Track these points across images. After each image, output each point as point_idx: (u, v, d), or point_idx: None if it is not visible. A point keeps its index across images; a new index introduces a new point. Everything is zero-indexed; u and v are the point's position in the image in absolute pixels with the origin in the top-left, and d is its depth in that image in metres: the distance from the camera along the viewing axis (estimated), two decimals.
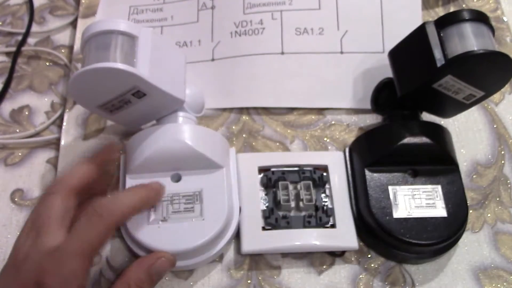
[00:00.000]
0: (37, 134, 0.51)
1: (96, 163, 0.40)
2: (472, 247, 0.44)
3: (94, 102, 0.41)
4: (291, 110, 0.52)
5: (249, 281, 0.43)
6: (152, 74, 0.39)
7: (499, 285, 0.43)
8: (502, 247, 0.44)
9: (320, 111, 0.52)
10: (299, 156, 0.48)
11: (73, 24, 0.59)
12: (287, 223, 0.43)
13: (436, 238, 0.41)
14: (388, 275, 0.43)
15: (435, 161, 0.44)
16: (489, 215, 0.46)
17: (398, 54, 0.46)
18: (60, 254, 0.33)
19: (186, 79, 0.44)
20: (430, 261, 0.44)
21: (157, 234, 0.40)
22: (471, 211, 0.45)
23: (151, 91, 0.40)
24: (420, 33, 0.43)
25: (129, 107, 0.42)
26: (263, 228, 0.43)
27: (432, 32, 0.42)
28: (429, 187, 0.43)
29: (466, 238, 0.45)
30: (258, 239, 0.43)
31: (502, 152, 0.49)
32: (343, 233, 0.43)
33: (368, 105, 0.50)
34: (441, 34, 0.42)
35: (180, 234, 0.40)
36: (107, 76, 0.38)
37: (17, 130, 0.51)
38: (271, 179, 0.45)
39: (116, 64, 0.37)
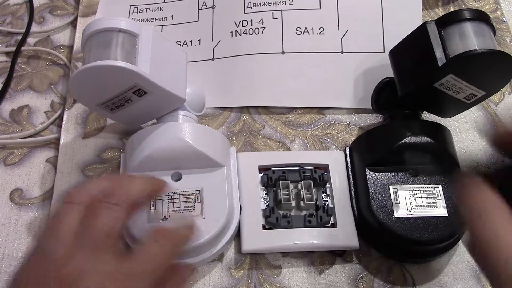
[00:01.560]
0: (36, 134, 0.51)
1: (149, 187, 0.35)
2: None
3: (95, 100, 0.41)
4: (291, 109, 0.52)
5: (249, 281, 0.43)
6: (153, 72, 0.39)
7: None
8: None
9: (321, 110, 0.52)
10: (300, 155, 0.48)
11: (73, 23, 0.59)
12: (288, 222, 0.43)
13: (437, 238, 0.41)
14: (389, 274, 0.43)
15: (436, 161, 0.44)
16: None
17: (399, 54, 0.46)
18: (126, 277, 0.29)
19: (187, 78, 0.44)
20: (430, 260, 0.43)
21: None
22: None
23: (152, 89, 0.39)
24: (421, 32, 0.43)
25: (129, 105, 0.41)
26: (264, 227, 0.43)
27: (433, 31, 0.42)
28: (430, 186, 0.43)
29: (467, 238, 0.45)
30: (258, 238, 0.43)
31: (502, 152, 0.49)
32: (344, 233, 0.43)
33: (368, 105, 0.50)
34: (442, 34, 0.42)
35: None
36: (108, 74, 0.38)
37: (17, 130, 0.51)
38: (271, 178, 0.45)
39: (117, 62, 0.37)
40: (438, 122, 0.48)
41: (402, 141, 0.43)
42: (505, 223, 0.26)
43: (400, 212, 0.42)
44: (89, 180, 0.37)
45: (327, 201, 0.45)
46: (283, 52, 0.53)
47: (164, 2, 0.58)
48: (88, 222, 0.30)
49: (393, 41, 0.46)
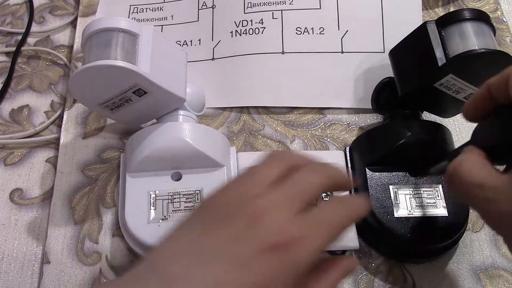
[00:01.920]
0: (36, 134, 0.51)
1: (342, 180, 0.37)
2: (473, 246, 0.44)
3: (95, 100, 0.41)
4: (291, 109, 0.52)
5: None
6: (153, 72, 0.39)
7: (499, 285, 0.42)
8: (503, 247, 0.44)
9: (321, 110, 0.52)
10: None
11: (73, 23, 0.59)
12: None
13: (437, 238, 0.41)
14: (389, 274, 0.43)
15: (436, 161, 0.44)
16: None
17: (399, 54, 0.46)
18: (307, 224, 0.31)
19: (187, 77, 0.44)
20: (431, 260, 0.43)
21: (157, 233, 0.40)
22: (471, 211, 0.45)
23: (152, 89, 0.39)
24: (421, 32, 0.43)
25: (129, 105, 0.41)
26: None
27: (433, 31, 0.42)
28: (430, 186, 0.43)
29: (467, 238, 0.45)
30: None
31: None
32: (344, 233, 0.43)
33: (368, 105, 0.50)
34: (442, 33, 0.42)
35: None
36: (108, 74, 0.38)
37: (17, 130, 0.51)
38: None
39: (117, 62, 0.37)
40: (438, 122, 0.48)
41: (402, 141, 0.43)
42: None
43: (400, 212, 0.42)
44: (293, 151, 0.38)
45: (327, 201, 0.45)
46: (283, 52, 0.53)
47: (164, 2, 0.58)
48: (294, 174, 0.33)
49: (393, 41, 0.46)
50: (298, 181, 0.33)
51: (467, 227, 0.45)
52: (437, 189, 0.43)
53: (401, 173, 0.44)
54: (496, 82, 0.31)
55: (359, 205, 0.36)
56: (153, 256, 0.31)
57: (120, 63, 0.37)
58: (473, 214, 0.46)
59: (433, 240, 0.41)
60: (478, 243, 0.45)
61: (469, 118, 0.34)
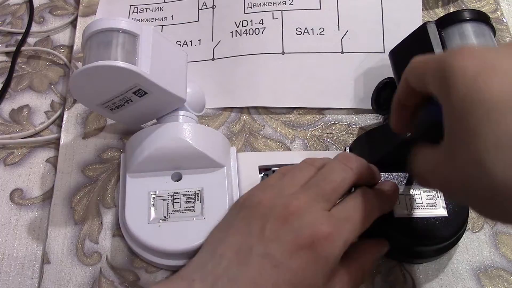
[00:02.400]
0: (36, 134, 0.51)
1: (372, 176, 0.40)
2: (472, 247, 0.44)
3: (95, 100, 0.41)
4: (291, 109, 0.52)
5: None
6: (154, 72, 0.39)
7: (499, 285, 0.43)
8: (502, 247, 0.44)
9: (321, 110, 0.52)
10: (300, 155, 0.47)
11: (73, 23, 0.59)
12: None
13: (437, 238, 0.41)
14: (389, 274, 0.43)
15: None
16: None
17: (399, 54, 0.46)
18: (338, 221, 0.34)
19: (187, 78, 0.44)
20: (430, 261, 0.44)
21: (157, 233, 0.40)
22: (471, 211, 0.45)
23: (152, 89, 0.40)
24: (421, 33, 0.43)
25: (130, 105, 0.41)
26: None
27: (433, 32, 0.42)
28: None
29: (467, 238, 0.45)
30: None
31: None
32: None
33: (368, 105, 0.50)
34: (442, 34, 0.42)
35: (180, 233, 0.40)
36: (108, 74, 0.38)
37: (17, 130, 0.51)
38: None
39: (117, 62, 0.37)
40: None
41: (402, 141, 0.43)
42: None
43: (400, 212, 0.42)
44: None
45: None
46: (283, 53, 0.53)
47: (164, 2, 0.58)
48: (323, 173, 0.37)
49: (393, 42, 0.47)
50: (328, 180, 0.36)
51: (467, 228, 0.45)
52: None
53: (401, 173, 0.44)
54: (413, 77, 0.31)
55: (385, 197, 0.39)
56: (197, 258, 0.36)
57: (121, 63, 0.37)
58: (472, 215, 0.46)
59: (432, 240, 0.41)
60: (478, 243, 0.45)
61: (398, 127, 0.36)
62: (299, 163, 0.40)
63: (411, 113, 0.35)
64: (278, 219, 0.34)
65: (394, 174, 0.44)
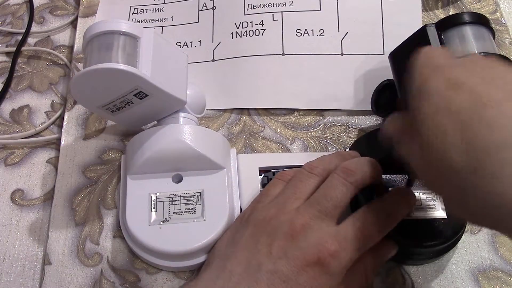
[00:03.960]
0: (37, 134, 0.51)
1: (376, 173, 0.40)
2: (471, 248, 0.45)
3: (96, 102, 0.41)
4: (291, 111, 0.52)
5: None
6: (154, 75, 0.39)
7: (498, 287, 0.43)
8: (501, 249, 0.45)
9: (321, 112, 0.52)
10: (300, 157, 0.48)
11: (73, 23, 0.59)
12: None
13: (436, 240, 0.41)
14: (388, 276, 0.43)
15: None
16: None
17: (399, 56, 0.46)
18: (343, 239, 0.35)
19: (188, 79, 0.44)
20: (429, 262, 0.44)
21: (158, 234, 0.40)
22: None
23: (153, 91, 0.40)
24: (421, 35, 0.43)
25: (130, 107, 0.42)
26: None
27: (433, 34, 0.42)
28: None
29: (465, 240, 0.45)
30: None
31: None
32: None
33: (368, 107, 0.50)
34: (442, 37, 0.42)
35: (181, 235, 0.40)
36: (109, 77, 0.38)
37: (17, 130, 0.51)
38: (271, 180, 0.45)
39: (118, 65, 0.37)
40: None
41: None
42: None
43: None
44: (327, 156, 0.42)
45: None
46: (283, 54, 0.53)
47: (164, 3, 0.58)
48: (324, 190, 0.37)
49: (393, 43, 0.47)
50: (328, 198, 0.37)
51: (466, 229, 0.45)
52: None
53: (400, 175, 0.44)
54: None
55: (398, 207, 0.39)
56: (206, 274, 0.37)
57: (122, 66, 0.37)
58: None
59: (431, 242, 0.41)
60: (477, 245, 0.45)
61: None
62: (299, 168, 0.41)
63: None
64: (285, 237, 0.35)
65: (393, 176, 0.44)
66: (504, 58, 0.40)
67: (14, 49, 0.56)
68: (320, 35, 0.54)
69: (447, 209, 0.42)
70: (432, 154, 0.28)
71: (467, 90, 0.28)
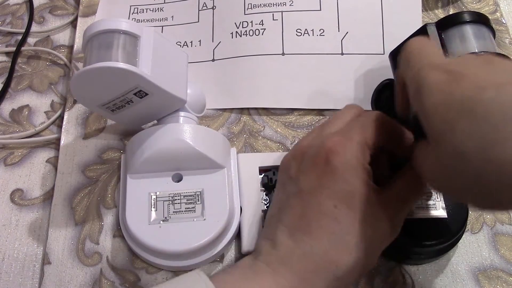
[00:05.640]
0: (37, 134, 0.51)
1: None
2: (472, 248, 0.45)
3: (96, 101, 0.41)
4: (291, 110, 0.52)
5: None
6: (154, 73, 0.39)
7: (498, 286, 0.43)
8: (502, 248, 0.45)
9: (321, 112, 0.52)
10: None
11: (73, 23, 0.59)
12: None
13: (436, 239, 0.41)
14: (388, 275, 0.43)
15: None
16: (488, 216, 0.46)
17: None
18: (345, 140, 0.37)
19: (188, 79, 0.44)
20: (430, 261, 0.44)
21: (158, 234, 0.40)
22: (470, 212, 0.46)
23: (153, 90, 0.40)
24: (421, 34, 0.43)
25: (130, 106, 0.42)
26: None
27: (433, 33, 0.42)
28: (430, 188, 0.43)
29: (466, 239, 0.45)
30: None
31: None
32: None
33: (368, 106, 0.50)
34: (442, 36, 0.42)
35: (181, 234, 0.40)
36: (109, 76, 0.38)
37: (17, 130, 0.51)
38: (272, 180, 0.45)
39: (118, 64, 0.37)
40: None
41: None
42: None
43: None
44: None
45: None
46: (283, 54, 0.53)
47: (164, 2, 0.58)
48: (358, 118, 0.40)
49: (393, 43, 0.47)
50: (363, 123, 0.39)
51: (466, 229, 0.45)
52: None
53: None
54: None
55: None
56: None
57: (122, 65, 0.37)
58: (472, 216, 0.46)
59: (432, 241, 0.41)
60: (477, 244, 0.45)
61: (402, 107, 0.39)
62: (344, 107, 0.43)
63: None
64: (323, 156, 0.37)
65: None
66: (505, 57, 0.40)
67: (14, 49, 0.56)
68: (320, 35, 0.54)
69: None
70: (444, 148, 0.29)
71: (467, 79, 0.28)
